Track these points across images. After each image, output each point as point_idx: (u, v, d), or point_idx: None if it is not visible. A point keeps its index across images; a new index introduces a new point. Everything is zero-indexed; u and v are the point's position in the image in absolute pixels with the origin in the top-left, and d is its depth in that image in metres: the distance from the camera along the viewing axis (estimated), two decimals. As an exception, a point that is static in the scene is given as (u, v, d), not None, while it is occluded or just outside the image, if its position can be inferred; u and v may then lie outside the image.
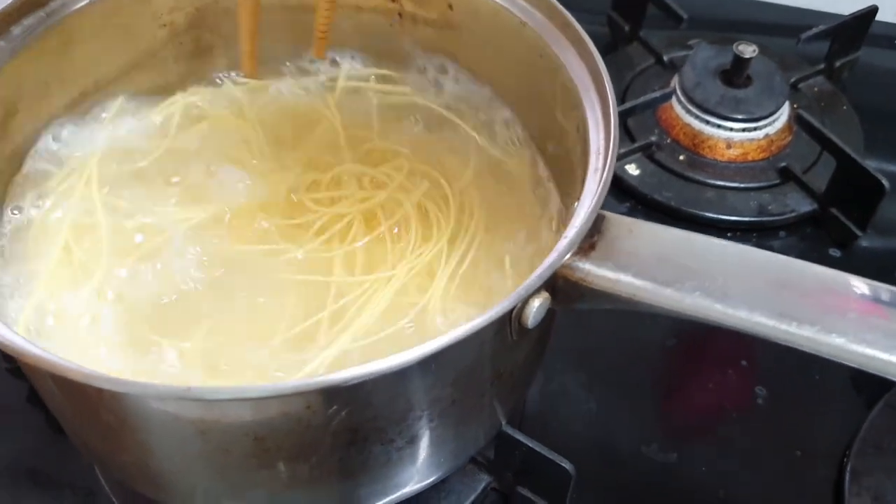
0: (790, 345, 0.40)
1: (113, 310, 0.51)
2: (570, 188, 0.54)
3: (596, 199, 0.44)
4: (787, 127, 0.79)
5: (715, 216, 0.75)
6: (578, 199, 0.46)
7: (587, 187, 0.45)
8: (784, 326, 0.39)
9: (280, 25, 0.63)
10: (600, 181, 0.45)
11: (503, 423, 0.54)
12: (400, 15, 0.61)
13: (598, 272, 0.42)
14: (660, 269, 0.42)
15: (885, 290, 0.40)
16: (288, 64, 0.65)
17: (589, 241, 0.43)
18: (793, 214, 0.75)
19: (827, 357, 0.39)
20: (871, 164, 0.76)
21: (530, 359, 0.50)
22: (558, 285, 0.43)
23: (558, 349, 0.66)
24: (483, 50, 0.59)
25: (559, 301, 0.44)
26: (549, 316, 0.44)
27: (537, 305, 0.42)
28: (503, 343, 0.44)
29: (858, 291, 0.41)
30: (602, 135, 0.47)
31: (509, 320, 0.42)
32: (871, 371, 0.38)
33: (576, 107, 0.51)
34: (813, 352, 0.39)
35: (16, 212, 0.55)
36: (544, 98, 0.55)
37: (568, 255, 0.42)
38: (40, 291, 0.51)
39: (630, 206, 0.78)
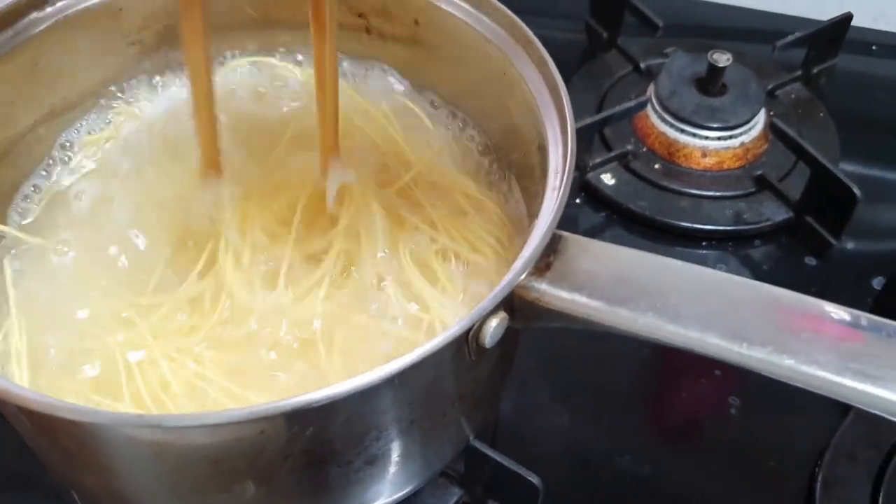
0: (743, 366, 0.40)
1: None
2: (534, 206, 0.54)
3: (552, 218, 0.44)
4: (763, 135, 0.79)
5: (691, 226, 0.75)
6: (536, 216, 0.46)
7: (544, 206, 0.45)
8: (736, 347, 0.39)
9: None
10: (556, 200, 0.45)
11: (471, 437, 0.54)
12: (367, 31, 0.62)
13: (553, 292, 0.43)
14: (614, 289, 0.42)
15: (839, 310, 0.40)
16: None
17: (545, 261, 0.44)
18: (768, 223, 0.75)
19: (780, 380, 0.39)
20: (848, 168, 0.76)
21: (494, 375, 0.50)
22: (515, 305, 0.43)
23: (531, 361, 0.67)
24: (449, 65, 0.59)
25: (517, 320, 0.44)
26: (509, 334, 0.44)
27: (494, 325, 0.42)
28: (462, 363, 0.44)
29: (813, 312, 0.41)
30: (560, 153, 0.47)
31: (466, 341, 0.42)
32: (824, 394, 0.38)
33: (536, 124, 0.51)
34: (766, 374, 0.39)
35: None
36: (508, 114, 0.56)
37: (524, 276, 0.42)
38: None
39: (606, 216, 0.78)
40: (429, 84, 0.62)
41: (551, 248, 0.44)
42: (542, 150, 0.50)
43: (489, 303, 0.41)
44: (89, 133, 0.61)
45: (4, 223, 0.56)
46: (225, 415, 0.38)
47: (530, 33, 0.52)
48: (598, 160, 0.79)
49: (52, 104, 0.59)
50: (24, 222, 0.57)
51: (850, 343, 0.39)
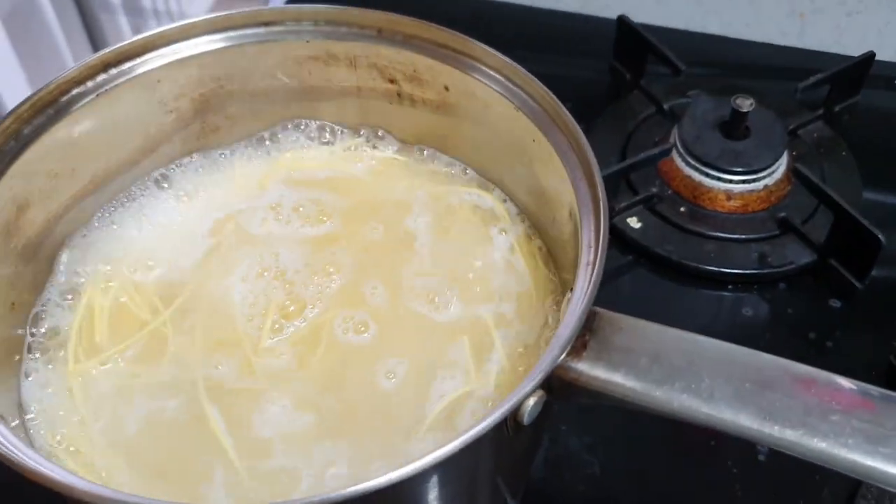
0: (775, 447, 0.41)
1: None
2: (566, 272, 0.56)
3: (587, 297, 0.45)
4: (786, 177, 0.80)
5: (716, 269, 0.76)
6: (571, 289, 0.48)
7: (578, 283, 0.47)
8: (767, 429, 0.41)
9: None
10: (590, 278, 0.46)
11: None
12: (399, 95, 0.63)
13: (590, 373, 0.44)
14: (650, 370, 0.43)
15: (869, 389, 0.42)
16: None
17: (581, 340, 0.45)
18: (792, 266, 0.76)
19: (813, 462, 0.40)
20: (871, 198, 0.76)
21: (530, 446, 0.52)
22: (553, 384, 0.45)
23: (563, 412, 0.68)
24: (478, 131, 0.60)
25: (555, 397, 0.45)
26: (545, 408, 0.45)
27: (532, 404, 0.43)
28: (499, 440, 0.45)
29: (842, 390, 0.42)
30: (593, 228, 0.48)
31: (504, 420, 0.43)
32: (854, 476, 0.39)
33: (566, 192, 0.52)
34: (798, 455, 0.40)
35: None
36: (537, 181, 0.57)
37: (562, 357, 0.44)
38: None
39: (632, 260, 0.79)
40: (453, 148, 0.64)
41: (587, 325, 0.45)
42: (573, 218, 0.52)
43: (528, 384, 0.42)
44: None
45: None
46: None
47: (561, 105, 0.54)
48: (623, 204, 0.80)
49: (93, 175, 0.61)
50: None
51: (879, 425, 0.40)
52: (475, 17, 1.00)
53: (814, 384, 0.41)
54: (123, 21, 1.44)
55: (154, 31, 0.59)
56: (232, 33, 0.61)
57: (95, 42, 1.38)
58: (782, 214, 0.78)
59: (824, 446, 0.40)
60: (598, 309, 0.46)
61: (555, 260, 0.58)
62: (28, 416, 0.52)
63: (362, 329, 0.55)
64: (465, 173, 0.63)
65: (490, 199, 0.62)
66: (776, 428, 0.40)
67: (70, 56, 1.30)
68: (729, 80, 0.90)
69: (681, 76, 0.85)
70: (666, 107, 0.87)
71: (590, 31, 1.02)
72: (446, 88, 0.60)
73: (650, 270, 0.78)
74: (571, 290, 0.47)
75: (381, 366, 0.54)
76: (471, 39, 0.58)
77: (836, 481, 0.64)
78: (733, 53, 0.98)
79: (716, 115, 0.81)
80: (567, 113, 0.53)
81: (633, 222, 0.80)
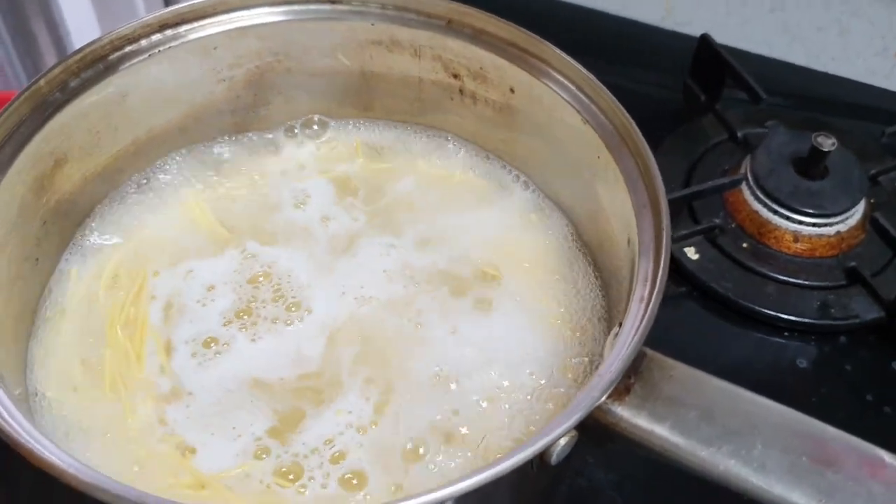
0: (828, 531, 0.37)
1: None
2: (616, 301, 0.52)
3: (638, 336, 0.41)
4: (861, 225, 0.75)
5: (773, 314, 0.72)
6: (620, 323, 0.44)
7: (628, 319, 0.43)
8: (823, 513, 0.37)
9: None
10: (643, 316, 0.42)
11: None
12: (461, 91, 0.60)
13: (632, 420, 0.40)
14: (698, 426, 0.39)
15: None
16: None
17: (626, 383, 0.41)
18: (856, 320, 0.71)
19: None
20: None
21: (552, 483, 0.48)
22: (588, 425, 0.41)
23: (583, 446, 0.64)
24: (539, 140, 0.57)
25: (587, 438, 0.42)
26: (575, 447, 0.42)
27: (563, 444, 0.40)
28: (522, 477, 0.42)
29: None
30: (652, 261, 0.45)
31: (531, 460, 0.40)
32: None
33: (627, 217, 0.48)
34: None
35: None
36: (596, 199, 0.53)
37: (602, 398, 0.40)
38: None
39: (686, 292, 0.75)
40: (509, 153, 0.60)
41: (634, 367, 0.42)
42: (632, 246, 0.48)
43: (561, 424, 0.39)
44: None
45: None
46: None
47: (632, 123, 0.50)
48: (683, 232, 0.75)
49: (135, 137, 0.58)
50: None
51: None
52: (548, 17, 0.95)
53: (883, 468, 0.37)
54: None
55: (216, -4, 0.57)
56: (296, 7, 0.58)
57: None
58: (852, 264, 0.73)
59: (883, 539, 0.36)
60: (649, 350, 0.43)
61: (604, 284, 0.54)
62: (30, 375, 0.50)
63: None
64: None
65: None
66: (832, 511, 0.36)
67: (143, 7, 1.29)
68: (810, 114, 0.85)
69: (760, 104, 0.81)
70: (740, 135, 0.83)
71: (667, 45, 0.97)
72: (512, 91, 0.57)
73: (702, 306, 0.74)
74: (620, 324, 0.44)
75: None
76: (543, 41, 0.54)
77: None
78: (817, 87, 0.92)
79: (793, 150, 0.76)
80: (638, 133, 0.49)
81: (691, 253, 0.75)
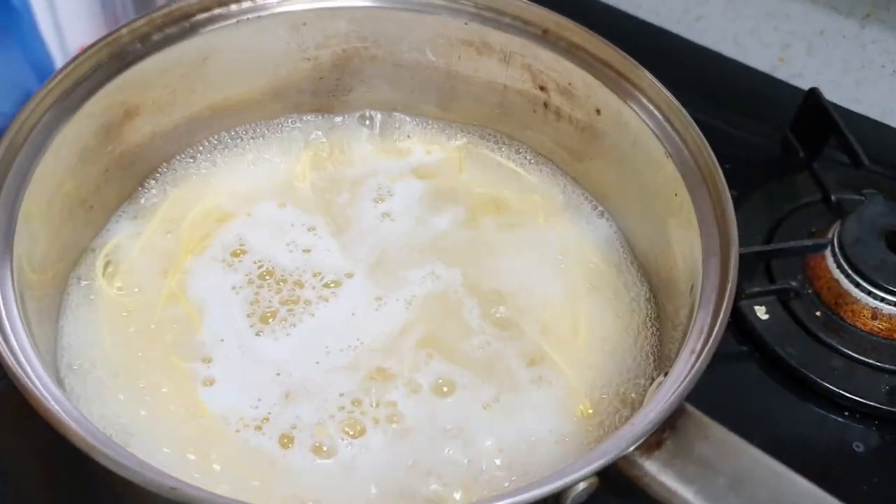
0: None
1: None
2: (668, 345, 0.49)
3: (681, 389, 0.39)
4: (949, 313, 0.70)
5: (836, 390, 0.67)
6: (666, 373, 0.41)
7: (675, 370, 0.40)
8: None
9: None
10: (690, 370, 0.39)
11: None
12: (545, 105, 0.57)
13: (657, 477, 0.38)
14: (725, 496, 0.37)
15: None
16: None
17: (658, 437, 0.38)
18: (927, 413, 0.66)
19: None
20: None
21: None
22: (610, 473, 0.38)
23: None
24: (617, 167, 0.54)
25: (607, 486, 0.39)
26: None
27: (581, 489, 0.38)
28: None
29: None
30: (710, 315, 0.42)
31: (545, 499, 0.37)
32: None
33: (693, 266, 0.45)
34: None
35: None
36: (665, 237, 0.50)
37: (630, 449, 0.37)
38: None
39: (747, 351, 0.71)
40: (584, 176, 0.58)
41: (671, 421, 0.39)
42: (693, 294, 0.45)
43: (581, 468, 0.36)
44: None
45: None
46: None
47: (716, 164, 0.47)
48: (756, 289, 0.71)
49: (211, 102, 0.58)
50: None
51: None
52: (653, 48, 0.92)
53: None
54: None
55: (310, -29, 0.56)
56: (391, -7, 0.57)
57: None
58: (930, 353, 0.69)
59: None
60: (689, 406, 0.40)
61: (659, 324, 0.51)
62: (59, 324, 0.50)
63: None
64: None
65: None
66: None
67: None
68: (914, 187, 0.80)
69: (861, 170, 0.76)
70: (834, 198, 0.78)
71: (773, 94, 0.93)
72: (598, 112, 0.55)
73: (762, 368, 0.70)
74: (665, 374, 0.41)
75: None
76: (639, 66, 0.52)
77: None
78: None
79: (887, 223, 0.72)
80: (721, 175, 0.46)
81: (761, 312, 0.71)
